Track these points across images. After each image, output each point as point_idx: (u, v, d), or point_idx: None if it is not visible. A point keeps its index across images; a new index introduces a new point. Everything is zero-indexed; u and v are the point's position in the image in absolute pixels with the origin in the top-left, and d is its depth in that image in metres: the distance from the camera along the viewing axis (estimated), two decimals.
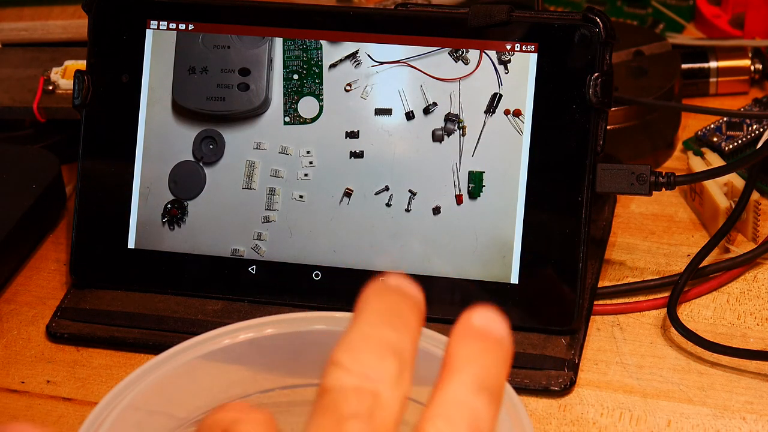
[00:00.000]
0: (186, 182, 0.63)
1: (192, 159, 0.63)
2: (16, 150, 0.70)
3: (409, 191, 0.61)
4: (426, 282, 0.60)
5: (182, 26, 0.63)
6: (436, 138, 0.60)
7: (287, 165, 0.62)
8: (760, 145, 0.66)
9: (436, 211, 0.60)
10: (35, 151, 0.70)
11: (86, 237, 0.63)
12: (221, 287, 0.62)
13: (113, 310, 0.62)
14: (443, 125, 0.60)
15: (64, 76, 0.72)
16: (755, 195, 0.64)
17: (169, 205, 0.63)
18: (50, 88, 0.71)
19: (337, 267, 0.61)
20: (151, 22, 0.63)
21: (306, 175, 0.62)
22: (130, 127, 0.63)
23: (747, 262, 0.62)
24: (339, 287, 0.61)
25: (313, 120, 0.62)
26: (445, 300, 0.60)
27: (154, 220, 0.63)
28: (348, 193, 0.61)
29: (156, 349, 0.58)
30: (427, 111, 0.61)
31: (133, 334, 0.61)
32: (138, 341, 0.60)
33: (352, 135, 0.61)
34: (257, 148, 0.62)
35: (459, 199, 0.60)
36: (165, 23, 0.63)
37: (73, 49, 0.76)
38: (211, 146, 0.63)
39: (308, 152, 0.62)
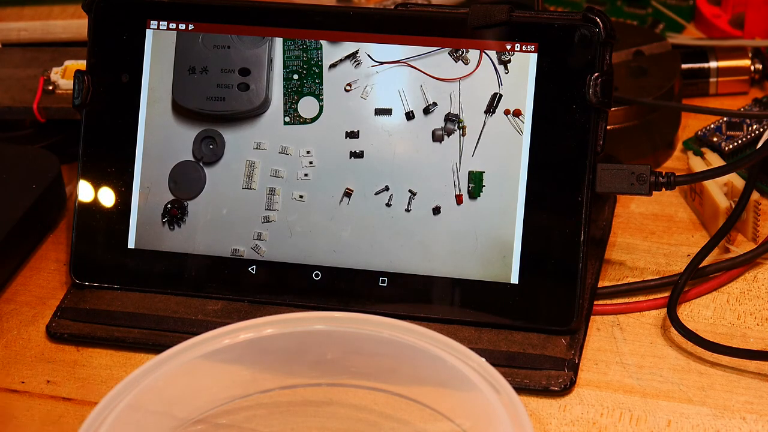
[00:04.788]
0: (186, 182, 0.63)
1: (192, 159, 0.63)
2: (16, 150, 0.70)
3: (409, 191, 0.61)
4: (426, 282, 0.60)
5: (182, 26, 0.63)
6: (436, 138, 0.60)
7: (287, 165, 0.62)
8: (760, 145, 0.66)
9: (436, 211, 0.60)
10: (35, 151, 0.70)
11: (86, 237, 0.63)
12: (221, 287, 0.62)
13: (113, 310, 0.62)
14: (443, 125, 0.60)
15: (64, 76, 0.72)
16: (755, 195, 0.64)
17: (169, 205, 0.63)
18: (50, 88, 0.71)
19: (337, 267, 0.61)
20: (151, 22, 0.63)
21: (306, 175, 0.62)
22: (130, 127, 0.63)
23: (747, 262, 0.62)
24: (339, 287, 0.61)
25: (313, 120, 0.62)
26: (445, 300, 0.60)
27: (154, 220, 0.63)
28: (348, 193, 0.61)
29: (156, 349, 0.58)
30: (427, 111, 0.61)
31: (133, 334, 0.61)
32: (138, 341, 0.60)
33: (352, 135, 0.61)
34: (257, 148, 0.62)
35: (459, 199, 0.60)
36: (165, 23, 0.63)
37: (73, 49, 0.76)
38: (211, 146, 0.63)
39: (308, 152, 0.62)
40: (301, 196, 0.62)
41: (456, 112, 0.60)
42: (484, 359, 0.52)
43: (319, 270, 0.61)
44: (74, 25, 0.79)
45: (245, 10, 0.63)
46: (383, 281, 0.60)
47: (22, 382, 0.59)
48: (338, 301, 0.60)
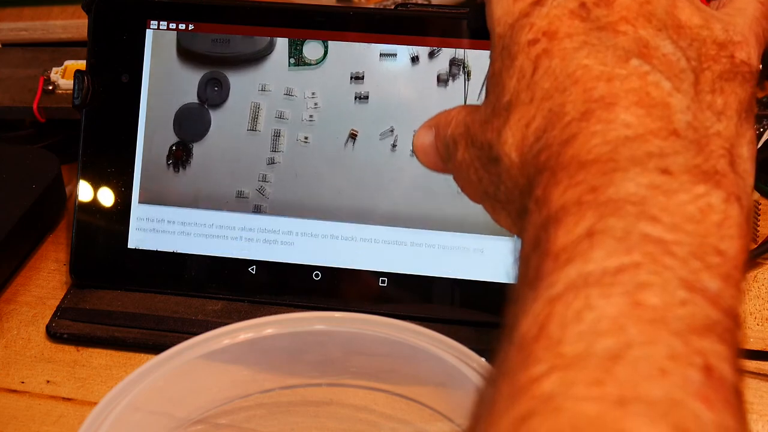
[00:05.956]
0: (191, 125, 0.63)
1: (197, 102, 0.63)
2: (16, 150, 0.70)
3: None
4: (426, 282, 0.60)
5: (182, 26, 0.63)
6: (441, 81, 0.60)
7: (292, 107, 0.62)
8: (759, 145, 0.66)
9: None
10: (35, 151, 0.70)
11: (86, 237, 0.63)
12: (221, 287, 0.62)
13: (113, 310, 0.62)
14: (448, 69, 0.60)
15: (64, 76, 0.72)
16: (755, 195, 0.64)
17: (174, 147, 0.63)
18: (50, 88, 0.71)
19: (338, 267, 0.61)
20: (151, 22, 0.63)
21: (311, 117, 0.62)
22: (130, 127, 0.63)
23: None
24: (339, 287, 0.61)
25: (318, 63, 0.62)
26: (445, 300, 0.60)
27: (159, 164, 0.63)
28: (353, 136, 0.61)
29: (156, 349, 0.58)
30: (432, 55, 0.61)
31: (133, 334, 0.61)
32: (138, 341, 0.60)
33: (357, 78, 0.61)
34: (262, 91, 0.62)
35: None
36: (165, 23, 0.63)
37: (73, 49, 0.76)
38: (216, 89, 0.63)
39: (313, 94, 0.62)
40: (306, 138, 0.62)
41: (461, 57, 0.60)
42: (484, 359, 0.52)
43: (320, 270, 0.61)
44: (74, 25, 0.79)
45: (245, 10, 0.63)
46: (383, 281, 0.60)
47: (22, 382, 0.59)
48: (338, 301, 0.60)
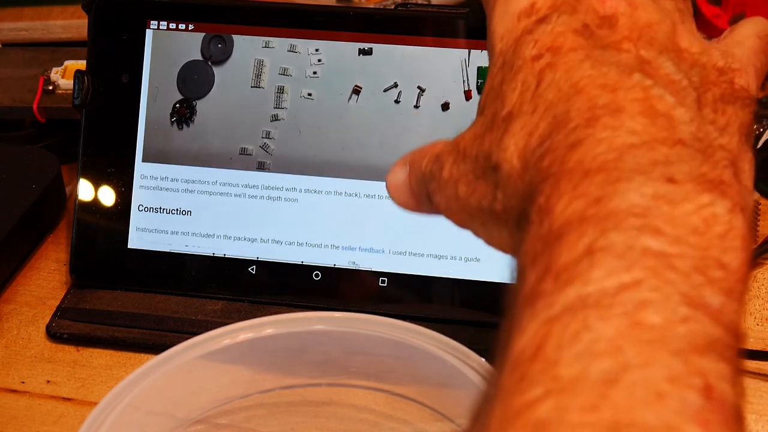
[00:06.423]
0: (194, 82, 0.63)
1: (200, 58, 0.63)
2: (16, 150, 0.70)
3: (418, 87, 0.61)
4: (426, 282, 0.60)
5: (182, 26, 0.63)
6: None
7: (295, 63, 0.62)
8: (760, 145, 0.66)
9: (445, 107, 0.60)
10: (35, 151, 0.70)
11: (86, 237, 0.63)
12: (221, 287, 0.62)
13: (113, 310, 0.62)
14: None
15: (64, 76, 0.72)
16: (755, 195, 0.64)
17: (177, 105, 0.63)
18: (50, 88, 0.71)
19: (338, 267, 0.61)
20: (151, 22, 0.63)
21: (314, 72, 0.62)
22: (130, 127, 0.63)
23: None
24: (339, 287, 0.61)
25: None
26: (445, 300, 0.60)
27: (163, 122, 0.63)
28: (357, 91, 0.61)
29: (156, 349, 0.58)
30: None
31: (133, 334, 0.61)
32: (138, 341, 0.60)
33: None
34: (265, 47, 0.62)
35: (468, 95, 0.60)
36: (165, 23, 0.63)
37: (73, 49, 0.76)
38: (219, 45, 0.63)
39: (317, 50, 0.62)
40: (309, 94, 0.62)
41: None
42: (483, 359, 0.52)
43: (320, 270, 0.61)
44: (74, 25, 0.79)
45: (245, 10, 0.63)
46: (383, 281, 0.60)
47: (22, 382, 0.59)
48: (338, 301, 0.60)
